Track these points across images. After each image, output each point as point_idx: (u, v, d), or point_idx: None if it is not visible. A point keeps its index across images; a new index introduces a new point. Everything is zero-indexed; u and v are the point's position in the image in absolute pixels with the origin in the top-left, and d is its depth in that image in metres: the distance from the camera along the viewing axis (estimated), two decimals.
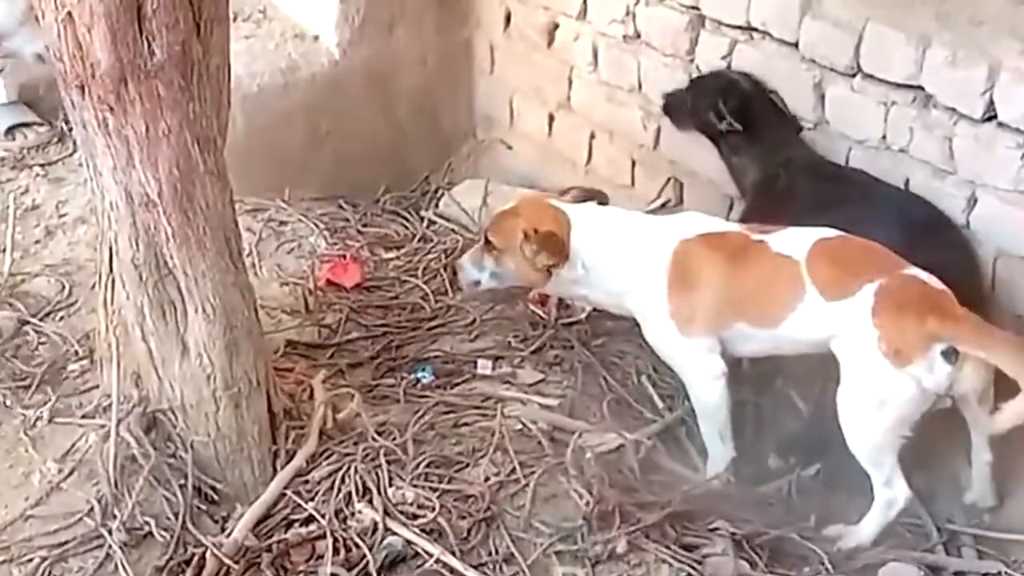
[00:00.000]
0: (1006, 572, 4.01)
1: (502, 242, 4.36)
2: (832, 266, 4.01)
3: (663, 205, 5.25)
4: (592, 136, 5.67)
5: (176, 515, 3.72)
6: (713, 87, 4.79)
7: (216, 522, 3.79)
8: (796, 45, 4.70)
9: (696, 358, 4.23)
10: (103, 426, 3.86)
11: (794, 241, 4.10)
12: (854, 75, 4.54)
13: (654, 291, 4.21)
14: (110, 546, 3.63)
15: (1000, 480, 4.26)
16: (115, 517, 3.69)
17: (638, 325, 4.42)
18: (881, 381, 3.86)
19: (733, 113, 4.64)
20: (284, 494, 3.83)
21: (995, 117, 4.16)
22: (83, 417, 4.00)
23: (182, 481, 3.78)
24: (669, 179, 5.23)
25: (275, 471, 3.89)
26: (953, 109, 4.26)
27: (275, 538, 3.70)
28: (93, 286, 4.19)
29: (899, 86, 4.40)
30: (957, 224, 4.31)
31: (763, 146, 4.67)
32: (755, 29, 4.84)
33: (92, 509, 3.73)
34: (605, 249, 4.31)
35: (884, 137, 4.49)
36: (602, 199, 4.55)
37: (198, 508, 3.79)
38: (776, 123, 4.72)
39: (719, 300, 4.14)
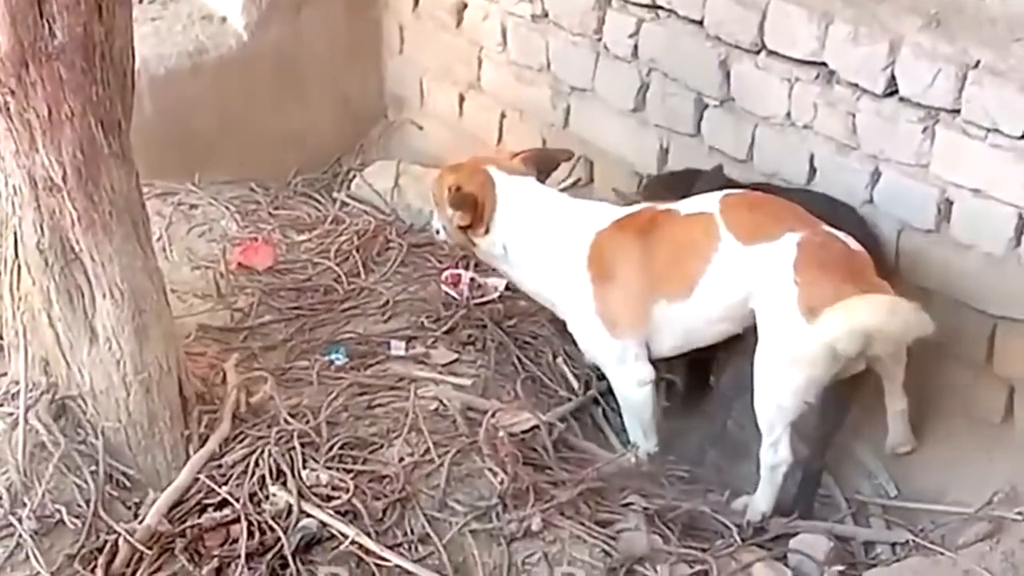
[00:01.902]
0: (913, 540, 4.08)
1: (437, 195, 4.48)
2: (749, 212, 4.04)
3: (574, 184, 5.27)
4: (503, 116, 5.69)
5: (87, 502, 3.68)
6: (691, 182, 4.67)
7: (129, 508, 3.75)
8: (701, 23, 4.74)
9: (624, 363, 4.28)
10: (11, 414, 3.80)
11: (703, 201, 4.14)
12: (759, 52, 4.58)
13: (577, 287, 4.25)
14: (20, 534, 3.59)
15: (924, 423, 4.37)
16: (25, 505, 3.64)
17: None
18: (796, 339, 3.88)
19: None
20: (197, 479, 3.80)
21: (897, 92, 4.22)
22: None
23: (93, 468, 3.74)
24: (579, 157, 5.25)
25: (188, 456, 3.86)
26: (856, 85, 4.31)
27: (189, 523, 3.68)
28: None
29: (802, 62, 4.45)
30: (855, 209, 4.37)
31: None
32: (661, 7, 4.87)
33: (1, 497, 3.67)
34: (525, 233, 4.35)
35: (788, 114, 4.54)
36: (555, 160, 4.57)
37: (110, 495, 3.75)
38: None
39: (639, 280, 4.16)
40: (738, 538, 4.04)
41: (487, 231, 4.38)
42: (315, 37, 5.92)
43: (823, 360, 3.88)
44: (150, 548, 3.58)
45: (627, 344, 4.23)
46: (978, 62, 4.01)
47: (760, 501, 4.16)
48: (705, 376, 4.64)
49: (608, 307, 4.21)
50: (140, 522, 3.64)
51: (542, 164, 4.51)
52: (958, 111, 4.07)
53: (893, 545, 4.17)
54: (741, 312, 4.05)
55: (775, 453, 4.07)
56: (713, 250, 4.04)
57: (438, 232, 4.65)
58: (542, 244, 4.34)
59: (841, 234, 3.99)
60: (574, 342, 4.51)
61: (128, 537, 3.57)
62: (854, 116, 4.35)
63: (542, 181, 4.49)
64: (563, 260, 4.28)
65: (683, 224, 4.12)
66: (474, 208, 4.33)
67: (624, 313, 4.19)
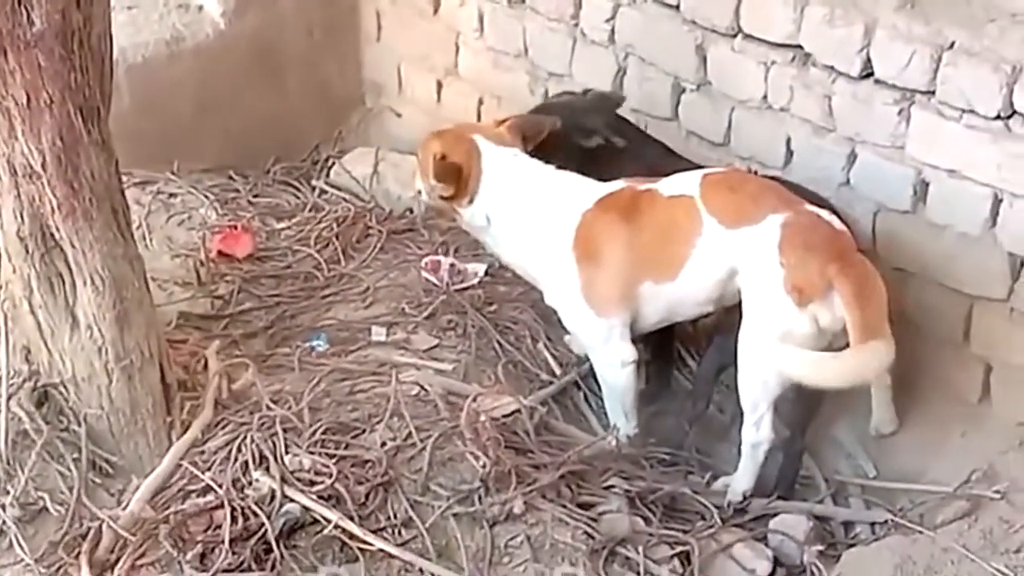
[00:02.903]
0: (892, 520, 4.12)
1: (422, 160, 4.43)
2: (730, 195, 4.04)
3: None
4: (480, 102, 5.69)
5: (71, 489, 3.69)
6: (582, 108, 4.70)
7: (112, 495, 3.76)
8: (678, 7, 4.76)
9: (607, 342, 4.28)
10: None
11: (683, 182, 4.13)
12: (735, 36, 4.61)
13: (562, 267, 4.25)
14: (4, 522, 3.60)
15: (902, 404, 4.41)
16: (8, 492, 3.65)
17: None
18: (782, 318, 3.90)
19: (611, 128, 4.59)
20: (180, 465, 3.81)
21: (872, 74, 4.24)
22: None
23: (76, 455, 3.75)
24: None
25: (170, 442, 3.87)
26: (831, 67, 4.34)
27: (172, 509, 3.68)
28: None
29: (778, 46, 4.47)
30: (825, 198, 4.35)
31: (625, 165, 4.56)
32: None
33: None
34: (509, 206, 4.33)
35: (765, 96, 4.57)
36: (540, 127, 4.51)
37: (93, 482, 3.76)
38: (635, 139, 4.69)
39: (625, 263, 4.17)
40: (719, 519, 4.06)
41: (471, 201, 4.36)
42: (292, 25, 5.91)
43: (811, 338, 3.90)
44: (134, 534, 3.58)
45: (612, 323, 4.24)
46: (953, 43, 4.04)
47: (741, 480, 4.18)
48: (670, 353, 4.66)
49: (594, 287, 4.21)
50: (123, 509, 3.66)
51: (528, 131, 4.46)
52: (933, 92, 4.10)
53: (872, 524, 4.21)
54: (727, 287, 4.07)
55: (757, 431, 4.09)
56: (696, 235, 4.04)
57: (419, 193, 4.61)
58: (527, 219, 4.32)
59: (824, 212, 4.00)
60: (559, 323, 4.51)
61: (111, 524, 3.58)
62: (830, 98, 4.37)
63: (527, 150, 4.44)
64: (548, 238, 4.27)
65: (666, 207, 4.11)
66: (458, 180, 4.31)
67: (610, 294, 4.20)
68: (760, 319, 3.95)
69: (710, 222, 4.02)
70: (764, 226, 3.93)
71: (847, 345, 3.89)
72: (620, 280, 4.18)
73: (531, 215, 4.31)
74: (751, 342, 3.99)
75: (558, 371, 4.66)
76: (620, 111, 4.73)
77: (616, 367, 4.31)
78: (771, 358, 3.90)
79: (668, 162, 4.49)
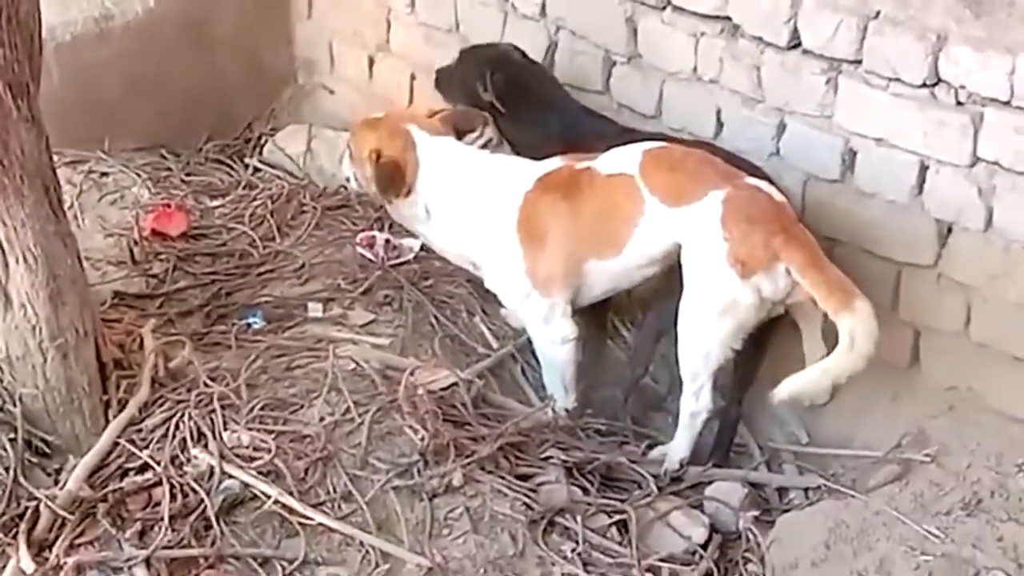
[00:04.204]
0: (825, 485, 4.17)
1: (355, 151, 4.44)
2: (670, 173, 4.07)
3: (485, 145, 5.29)
4: (413, 77, 5.69)
5: (7, 469, 3.64)
6: (481, 59, 4.79)
7: (49, 475, 3.73)
8: None
9: (549, 321, 4.31)
10: None
11: (620, 159, 4.16)
12: (664, 8, 4.63)
13: (505, 248, 4.26)
14: None
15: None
16: None
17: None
18: (726, 290, 3.95)
19: (498, 86, 4.64)
20: (117, 443, 3.78)
21: (800, 44, 4.28)
22: None
23: (12, 435, 3.70)
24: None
25: (107, 421, 3.84)
26: (760, 38, 4.37)
27: (110, 487, 3.67)
28: None
29: (707, 17, 4.50)
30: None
31: (537, 117, 4.68)
32: None
33: None
34: (449, 195, 4.34)
35: (695, 69, 4.59)
36: (477, 122, 4.57)
37: (29, 461, 3.72)
38: (547, 94, 4.76)
39: (570, 243, 4.19)
40: (655, 487, 4.10)
41: (408, 193, 4.36)
42: (223, 2, 5.89)
43: (753, 308, 3.97)
44: (72, 513, 3.56)
45: (555, 301, 4.27)
46: (878, 13, 4.08)
47: (678, 449, 4.23)
48: (604, 325, 4.70)
49: (539, 267, 4.24)
50: (61, 488, 3.63)
51: (460, 124, 4.50)
52: (860, 62, 4.14)
53: (806, 490, 4.27)
54: (670, 256, 4.10)
55: (696, 401, 4.14)
56: (639, 214, 4.08)
57: (348, 180, 4.62)
58: (467, 206, 4.34)
59: (763, 184, 4.05)
60: (496, 300, 4.54)
61: (49, 503, 3.55)
62: (759, 69, 4.41)
63: (460, 139, 4.47)
64: (490, 222, 4.28)
65: (606, 187, 4.14)
66: (399, 180, 4.31)
67: (555, 273, 4.23)
68: (703, 292, 4.00)
69: (652, 201, 4.05)
70: (706, 203, 3.96)
71: (785, 312, 3.99)
72: (565, 259, 4.21)
73: (472, 202, 4.32)
74: (693, 314, 4.03)
75: (495, 344, 4.68)
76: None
77: (557, 344, 4.35)
78: (782, 398, 3.98)
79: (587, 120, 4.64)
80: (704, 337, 4.04)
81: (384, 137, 4.37)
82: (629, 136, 4.44)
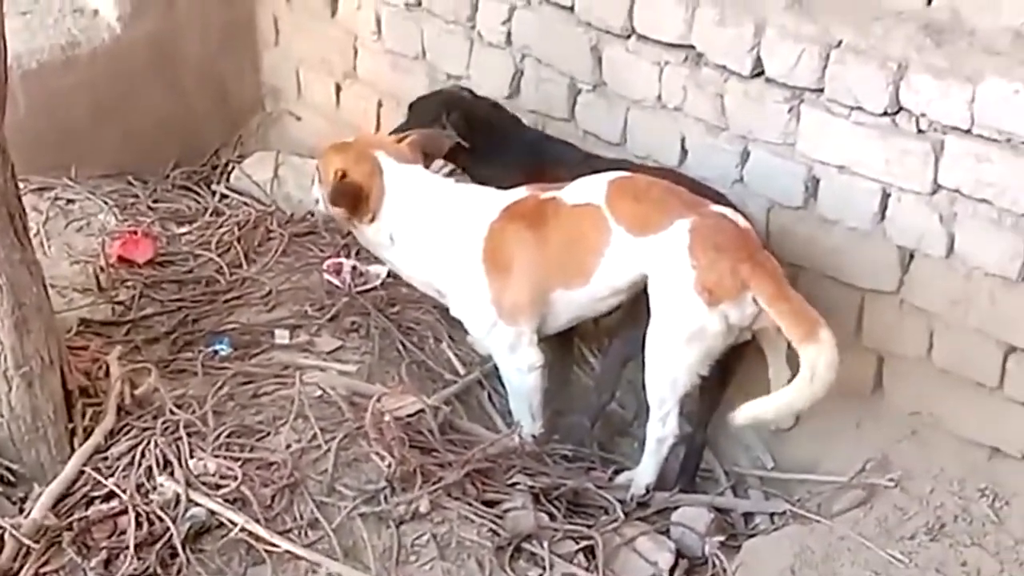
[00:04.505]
0: (790, 510, 4.18)
1: (323, 173, 4.43)
2: (635, 203, 4.08)
3: (451, 172, 5.31)
4: (380, 104, 5.71)
5: None
6: (433, 105, 4.82)
7: (14, 503, 3.70)
8: (572, 8, 4.81)
9: (516, 349, 4.31)
10: None
11: (586, 189, 4.17)
12: (628, 36, 4.66)
13: (471, 278, 4.26)
14: None
15: None
16: None
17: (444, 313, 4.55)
18: (693, 318, 3.96)
19: (456, 124, 4.66)
20: (83, 472, 3.77)
21: (763, 73, 4.31)
22: None
23: None
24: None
25: (73, 449, 3.82)
26: (723, 67, 4.40)
27: (76, 516, 3.64)
28: None
29: (671, 46, 4.53)
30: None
31: (499, 149, 4.70)
32: None
33: None
34: (414, 223, 4.33)
35: (659, 97, 4.62)
36: (441, 144, 4.56)
37: None
38: (505, 125, 4.80)
39: (536, 273, 4.20)
40: (622, 513, 4.11)
41: (372, 219, 4.36)
42: (189, 29, 5.89)
43: (720, 335, 3.99)
44: (37, 542, 3.54)
45: (521, 330, 4.27)
46: (840, 42, 4.12)
47: (644, 474, 4.24)
48: (571, 351, 4.72)
49: (505, 296, 4.24)
50: (26, 516, 3.60)
51: (428, 148, 4.49)
52: (822, 90, 4.17)
53: (771, 515, 4.28)
54: (637, 286, 4.12)
55: (663, 427, 4.14)
56: (606, 244, 4.09)
57: (317, 202, 4.60)
58: (433, 235, 4.33)
59: (728, 211, 4.08)
60: (462, 326, 4.54)
61: (14, 532, 3.53)
62: (722, 97, 4.44)
63: (427, 166, 4.48)
64: (456, 251, 4.28)
65: (572, 216, 4.15)
66: (356, 202, 4.30)
67: (522, 302, 4.23)
68: (670, 319, 4.01)
69: (618, 231, 4.07)
70: (672, 231, 3.98)
71: (752, 337, 4.04)
72: (531, 288, 4.21)
73: (437, 230, 4.32)
74: (661, 341, 4.05)
75: (462, 370, 4.69)
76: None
77: (524, 372, 4.35)
78: (740, 423, 4.01)
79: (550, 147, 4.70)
80: (671, 364, 4.06)
81: (351, 160, 4.37)
82: (592, 162, 4.47)
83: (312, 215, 5.34)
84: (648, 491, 4.23)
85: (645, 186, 4.17)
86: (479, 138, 4.65)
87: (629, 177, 4.23)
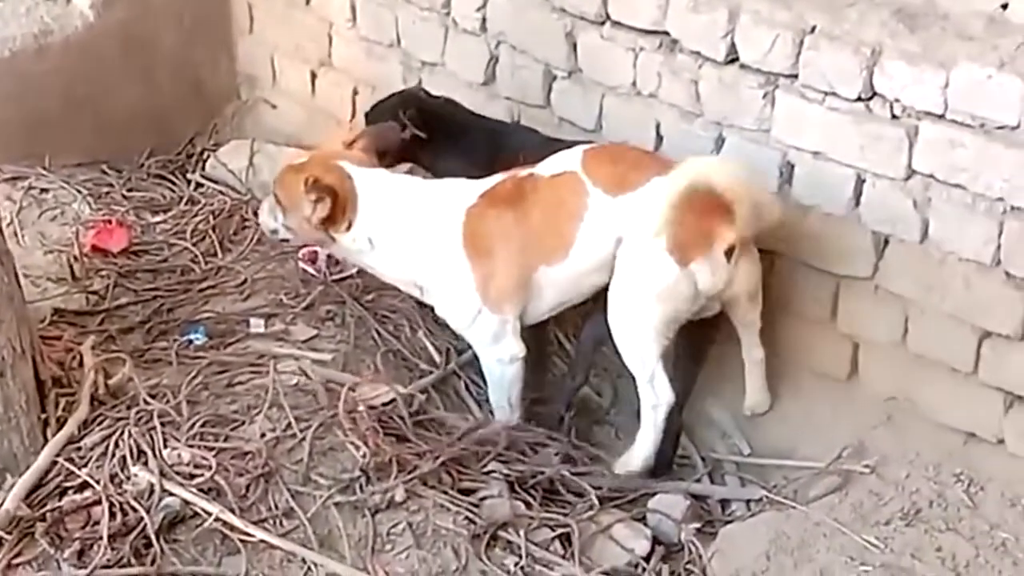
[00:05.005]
0: (766, 496, 4.18)
1: (286, 197, 4.35)
2: (612, 165, 4.13)
3: (409, 171, 5.28)
4: (355, 92, 5.68)
5: None
6: (388, 106, 4.80)
7: None
8: None
9: (499, 339, 4.31)
10: None
11: (562, 159, 4.21)
12: (603, 23, 4.65)
13: (453, 268, 4.25)
14: None
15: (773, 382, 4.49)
16: None
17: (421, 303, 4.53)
18: (662, 276, 3.99)
19: (414, 119, 4.65)
20: (56, 462, 3.76)
21: (737, 59, 4.30)
22: None
23: None
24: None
25: (46, 440, 3.82)
26: (698, 53, 4.38)
27: (49, 507, 3.64)
28: None
29: (646, 32, 4.51)
30: None
31: (458, 142, 4.70)
32: None
33: None
34: (391, 223, 4.31)
35: (635, 83, 4.61)
36: (391, 137, 4.54)
37: None
38: (461, 117, 4.80)
39: (518, 250, 4.20)
40: (597, 500, 4.10)
41: (348, 227, 4.31)
42: (163, 17, 5.87)
43: (688, 299, 4.02)
44: (9, 533, 3.54)
45: (505, 319, 4.27)
46: (814, 27, 4.10)
47: (643, 446, 4.25)
48: (545, 339, 4.71)
49: (489, 282, 4.23)
50: None
51: (381, 144, 4.48)
52: (796, 76, 4.16)
53: (748, 502, 4.27)
54: (613, 260, 4.14)
55: (654, 391, 4.16)
56: (584, 207, 4.11)
57: (275, 232, 4.50)
58: (411, 231, 4.30)
59: None
60: (442, 322, 4.53)
61: None
62: (697, 83, 4.42)
63: (389, 166, 4.49)
64: (436, 243, 4.27)
65: (550, 186, 4.17)
66: (335, 198, 4.25)
67: (506, 286, 4.23)
68: (636, 279, 4.05)
69: (596, 193, 4.10)
70: (648, 189, 4.02)
71: (713, 322, 4.13)
72: (515, 269, 4.21)
73: (415, 227, 4.30)
74: (626, 300, 4.08)
75: (438, 359, 4.67)
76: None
77: (505, 362, 4.35)
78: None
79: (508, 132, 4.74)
80: (640, 324, 4.07)
81: (319, 170, 4.30)
82: (552, 145, 4.48)
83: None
84: (648, 464, 4.24)
85: (621, 150, 4.25)
86: (436, 133, 4.65)
87: (604, 144, 4.31)
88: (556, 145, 4.46)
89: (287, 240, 4.57)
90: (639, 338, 4.09)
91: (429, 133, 4.63)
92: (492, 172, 4.37)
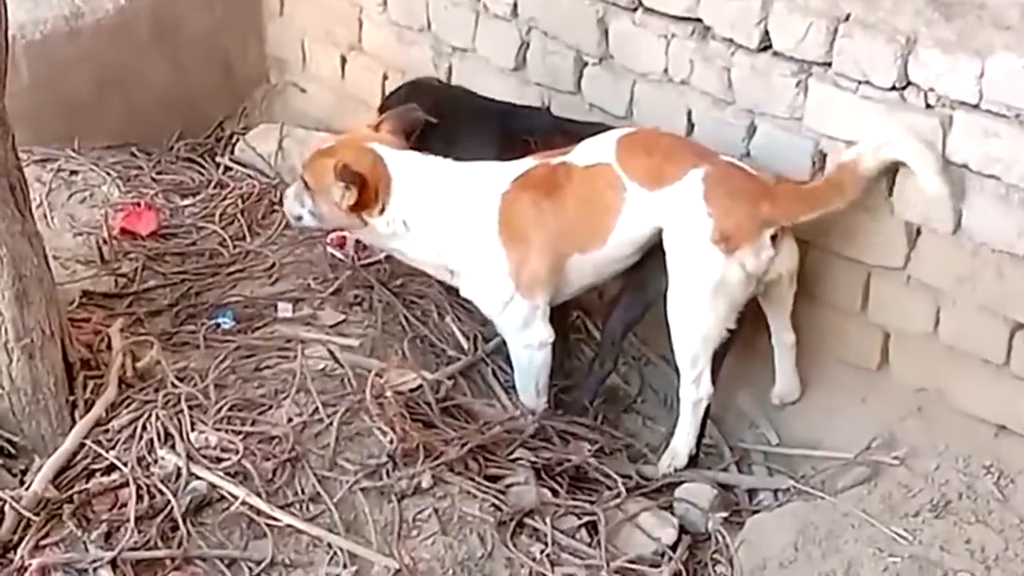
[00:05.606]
0: (794, 486, 4.18)
1: (315, 182, 4.31)
2: (647, 157, 4.11)
3: None
4: (385, 77, 5.66)
5: None
6: (402, 96, 4.80)
7: (14, 475, 3.71)
8: None
9: (529, 324, 4.29)
10: None
11: (596, 150, 4.18)
12: (635, 9, 4.62)
13: (487, 253, 4.23)
14: None
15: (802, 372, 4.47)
16: None
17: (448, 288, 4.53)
18: (713, 269, 4.00)
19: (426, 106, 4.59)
20: (84, 444, 3.77)
21: (770, 46, 4.27)
22: None
23: None
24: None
25: (74, 422, 3.83)
26: (731, 40, 4.36)
27: (76, 488, 3.65)
28: None
29: (679, 19, 4.49)
30: None
31: (470, 127, 4.66)
32: None
33: None
34: (426, 207, 4.28)
35: (666, 70, 4.58)
36: (414, 118, 4.48)
37: None
38: (470, 102, 4.80)
39: (554, 239, 4.19)
40: (624, 489, 4.10)
41: (382, 211, 4.26)
42: (193, 0, 5.87)
43: (741, 284, 4.03)
44: (37, 515, 3.55)
45: (536, 304, 4.25)
46: (848, 15, 4.07)
47: (683, 442, 4.27)
48: (566, 326, 4.67)
49: (523, 268, 4.21)
50: (26, 489, 3.61)
51: (405, 126, 4.41)
52: (830, 64, 4.13)
53: (775, 491, 4.27)
54: (650, 242, 4.14)
55: (697, 388, 4.17)
56: (621, 201, 4.10)
57: (299, 219, 4.44)
58: (445, 215, 4.27)
59: (736, 160, 4.13)
60: (467, 306, 4.52)
61: (14, 504, 3.53)
62: (729, 71, 4.40)
63: (415, 148, 4.42)
64: (471, 227, 4.24)
65: (585, 178, 4.15)
66: (364, 184, 4.19)
67: (539, 272, 4.21)
68: (691, 274, 4.04)
69: (632, 187, 4.09)
70: (686, 182, 4.02)
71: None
72: (549, 256, 4.20)
73: (449, 210, 4.27)
74: (685, 298, 4.07)
75: (465, 345, 4.66)
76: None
77: (534, 348, 4.33)
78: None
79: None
80: (699, 319, 4.07)
81: (351, 156, 4.24)
82: (564, 126, 4.49)
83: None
84: (691, 459, 4.25)
85: (654, 139, 4.22)
86: (447, 118, 4.61)
87: (637, 131, 4.27)
88: (568, 127, 4.47)
89: (310, 227, 4.54)
90: (699, 334, 4.10)
91: (440, 118, 4.59)
92: (504, 155, 4.36)
